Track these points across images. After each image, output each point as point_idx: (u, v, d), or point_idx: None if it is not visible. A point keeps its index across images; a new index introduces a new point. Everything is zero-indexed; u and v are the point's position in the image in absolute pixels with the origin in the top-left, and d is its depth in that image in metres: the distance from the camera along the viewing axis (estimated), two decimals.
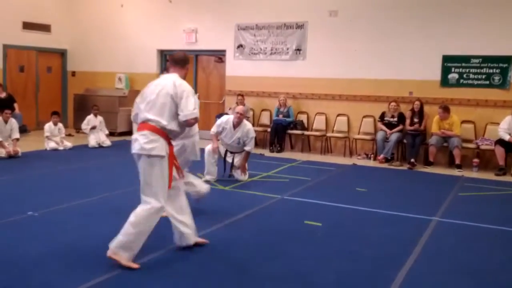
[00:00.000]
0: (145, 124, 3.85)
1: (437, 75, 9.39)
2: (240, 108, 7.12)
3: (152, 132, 3.81)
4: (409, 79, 9.57)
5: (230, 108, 10.90)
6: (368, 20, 9.92)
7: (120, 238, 3.78)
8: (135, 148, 3.86)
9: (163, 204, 3.86)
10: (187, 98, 3.81)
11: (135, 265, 3.75)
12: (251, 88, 11.05)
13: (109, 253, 3.78)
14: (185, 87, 3.86)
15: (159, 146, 3.80)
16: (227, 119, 7.09)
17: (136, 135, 3.89)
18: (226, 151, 7.13)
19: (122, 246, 3.75)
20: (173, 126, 3.86)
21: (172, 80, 3.89)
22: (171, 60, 4.15)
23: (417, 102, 9.22)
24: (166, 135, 3.87)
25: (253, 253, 4.23)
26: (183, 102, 3.80)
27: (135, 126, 4.16)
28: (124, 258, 3.74)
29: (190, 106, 3.80)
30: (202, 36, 11.62)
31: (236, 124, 6.97)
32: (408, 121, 9.29)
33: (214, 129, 7.11)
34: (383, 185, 7.22)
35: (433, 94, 9.43)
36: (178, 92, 3.82)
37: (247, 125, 7.06)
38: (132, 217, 3.81)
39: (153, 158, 3.78)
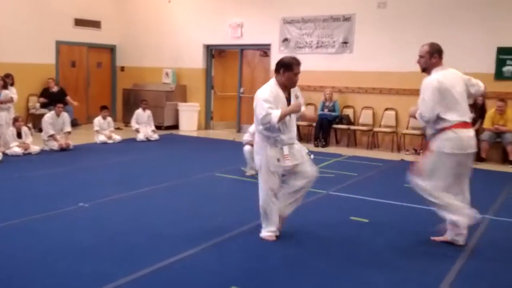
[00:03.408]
0: None
1: (491, 68, 9.01)
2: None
3: None
4: (462, 71, 9.19)
5: None
6: (418, 12, 9.64)
7: None
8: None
9: None
10: (256, 107, 4.13)
11: None
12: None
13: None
14: (257, 95, 4.15)
15: None
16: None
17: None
18: None
19: None
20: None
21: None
22: None
23: (480, 97, 8.80)
24: None
25: (299, 249, 4.20)
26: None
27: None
28: None
29: (257, 112, 4.10)
30: (248, 31, 11.62)
31: None
32: None
33: (248, 137, 6.98)
34: None
35: (487, 88, 9.00)
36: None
37: None
38: None
39: None
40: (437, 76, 4.11)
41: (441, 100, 4.03)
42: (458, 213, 4.12)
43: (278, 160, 4.18)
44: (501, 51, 8.92)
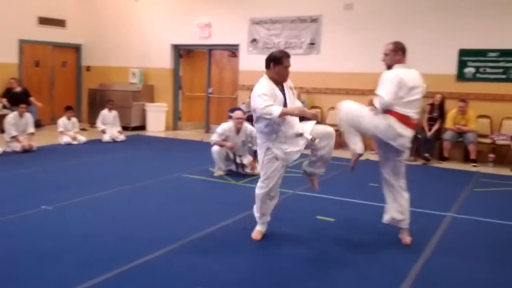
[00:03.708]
0: None
1: (453, 69, 9.26)
2: (239, 113, 7.10)
3: None
4: (424, 73, 9.32)
5: (243, 103, 10.89)
6: (383, 14, 9.82)
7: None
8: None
9: None
10: (253, 103, 4.20)
11: None
12: None
13: None
14: (253, 91, 4.18)
15: None
16: (229, 126, 7.07)
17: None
18: (234, 154, 7.11)
19: None
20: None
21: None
22: None
23: (438, 96, 9.03)
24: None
25: (267, 248, 4.22)
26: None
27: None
28: None
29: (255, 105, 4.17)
30: (216, 31, 11.60)
31: (239, 129, 6.99)
32: (426, 116, 9.16)
33: (216, 138, 7.05)
34: None
35: (448, 89, 9.31)
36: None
37: (248, 126, 7.08)
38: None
39: None
40: (398, 71, 4.19)
41: (398, 92, 4.10)
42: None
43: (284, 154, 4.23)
44: (463, 53, 9.17)
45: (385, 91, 4.10)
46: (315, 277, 3.65)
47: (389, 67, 4.34)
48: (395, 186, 4.37)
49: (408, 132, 4.19)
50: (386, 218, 4.47)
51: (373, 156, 9.27)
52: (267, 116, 4.07)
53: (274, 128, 4.18)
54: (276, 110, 4.03)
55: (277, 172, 4.28)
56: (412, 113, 4.18)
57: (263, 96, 4.09)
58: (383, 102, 4.09)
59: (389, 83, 4.12)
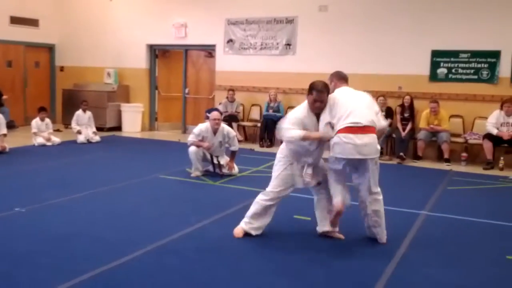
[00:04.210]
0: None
1: (426, 70, 9.43)
2: (215, 114, 7.10)
3: None
4: (398, 73, 9.60)
5: (220, 103, 10.88)
6: (358, 15, 9.93)
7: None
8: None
9: None
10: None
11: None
12: (241, 83, 11.03)
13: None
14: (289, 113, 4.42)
15: None
16: (206, 127, 7.04)
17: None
18: (211, 155, 7.10)
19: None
20: None
21: None
22: None
23: (407, 97, 9.25)
24: None
25: (244, 248, 4.23)
26: None
27: None
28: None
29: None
30: (192, 31, 11.56)
31: (216, 130, 6.99)
32: (398, 117, 9.32)
33: (193, 138, 7.03)
34: None
35: (422, 89, 9.47)
36: None
37: (224, 127, 7.11)
38: (381, 208, 4.36)
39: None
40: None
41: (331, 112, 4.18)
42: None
43: (300, 176, 4.37)
44: (435, 53, 9.34)
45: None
46: (289, 277, 3.67)
47: None
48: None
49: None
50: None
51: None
52: (291, 140, 4.25)
53: (304, 151, 4.30)
54: (296, 134, 4.19)
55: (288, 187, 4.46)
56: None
57: (287, 122, 4.27)
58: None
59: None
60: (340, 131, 4.10)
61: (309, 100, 4.26)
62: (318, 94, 4.19)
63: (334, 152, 4.17)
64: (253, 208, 4.49)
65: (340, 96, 4.28)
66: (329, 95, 4.25)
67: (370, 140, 4.12)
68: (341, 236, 4.55)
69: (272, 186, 4.45)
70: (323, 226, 4.57)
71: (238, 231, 4.48)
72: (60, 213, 5.06)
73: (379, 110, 4.51)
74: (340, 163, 4.20)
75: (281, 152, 4.48)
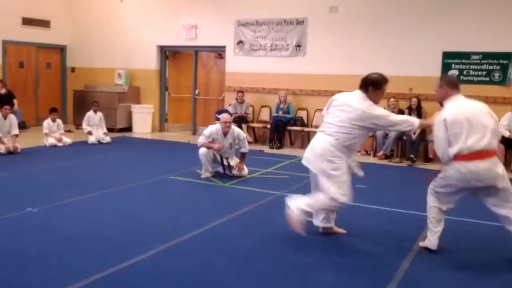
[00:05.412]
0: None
1: (437, 72, 9.36)
2: (226, 117, 7.08)
3: None
4: (409, 75, 9.55)
5: (229, 105, 10.89)
6: (369, 16, 9.90)
7: None
8: None
9: None
10: (377, 119, 4.43)
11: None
12: (251, 85, 11.04)
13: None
14: (371, 111, 4.35)
15: None
16: (216, 128, 7.04)
17: None
18: (221, 156, 7.11)
19: None
20: None
21: None
22: None
23: (414, 99, 9.20)
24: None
25: (253, 249, 4.23)
26: None
27: None
28: None
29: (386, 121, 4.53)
30: (202, 32, 11.59)
31: (226, 132, 7.00)
32: None
33: (203, 140, 7.03)
34: (383, 182, 7.24)
35: (433, 91, 9.37)
36: None
37: (235, 129, 7.12)
38: None
39: None
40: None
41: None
42: None
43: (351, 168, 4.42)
44: (447, 55, 9.29)
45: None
46: (299, 279, 3.66)
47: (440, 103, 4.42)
48: None
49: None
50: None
51: (359, 158, 9.34)
52: (406, 129, 4.50)
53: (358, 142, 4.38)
54: (417, 122, 4.43)
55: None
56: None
57: (386, 111, 4.41)
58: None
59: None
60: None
61: (377, 95, 4.39)
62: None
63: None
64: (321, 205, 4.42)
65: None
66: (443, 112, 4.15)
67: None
68: (343, 231, 4.65)
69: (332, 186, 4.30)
70: (317, 220, 4.65)
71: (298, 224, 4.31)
72: (71, 214, 5.09)
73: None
74: None
75: (333, 154, 4.29)
